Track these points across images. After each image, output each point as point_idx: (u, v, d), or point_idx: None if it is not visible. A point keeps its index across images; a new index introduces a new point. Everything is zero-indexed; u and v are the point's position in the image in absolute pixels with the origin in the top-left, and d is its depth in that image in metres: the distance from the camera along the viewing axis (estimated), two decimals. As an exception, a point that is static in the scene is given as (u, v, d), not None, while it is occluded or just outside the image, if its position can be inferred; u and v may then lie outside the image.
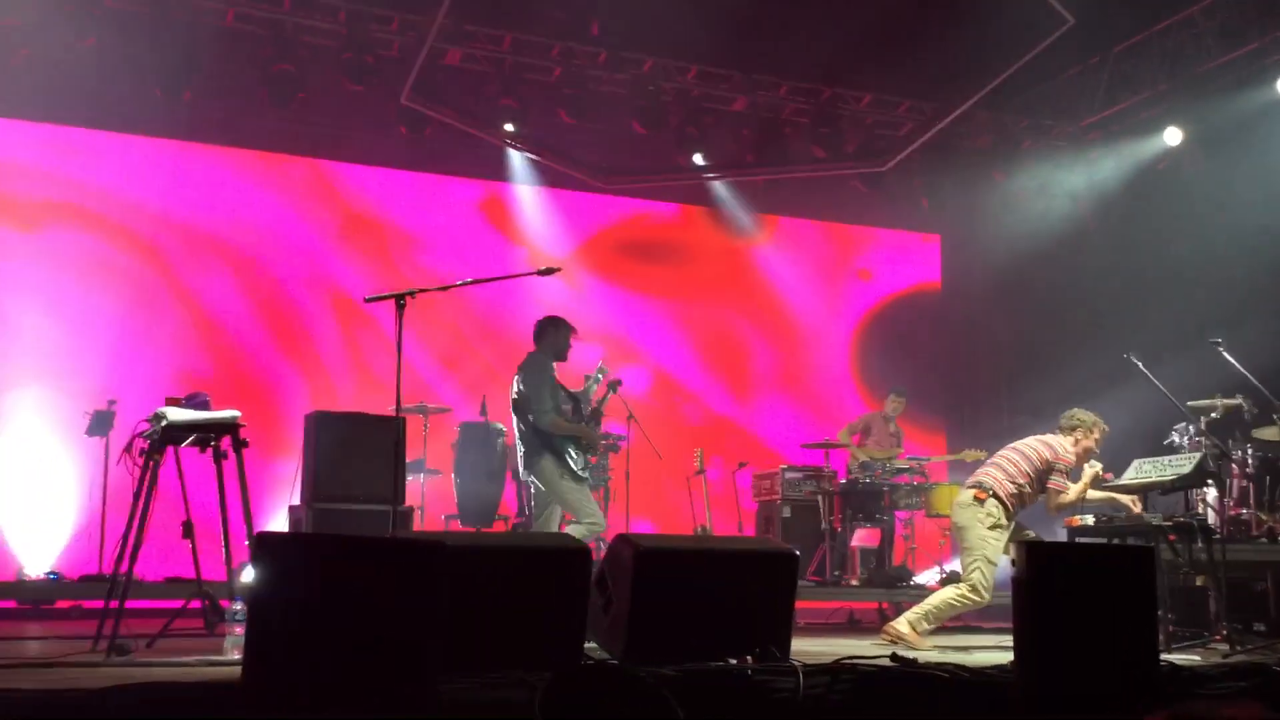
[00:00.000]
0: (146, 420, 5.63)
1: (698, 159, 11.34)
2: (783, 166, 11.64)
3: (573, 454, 6.93)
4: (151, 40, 9.24)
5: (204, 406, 5.73)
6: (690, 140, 11.08)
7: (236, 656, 4.29)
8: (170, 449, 5.61)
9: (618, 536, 4.93)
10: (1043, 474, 6.54)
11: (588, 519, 6.88)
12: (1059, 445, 6.60)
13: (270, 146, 10.69)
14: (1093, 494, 6.63)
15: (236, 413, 5.70)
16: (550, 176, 11.26)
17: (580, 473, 6.97)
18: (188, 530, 5.66)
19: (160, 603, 6.38)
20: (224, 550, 5.68)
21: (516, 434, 7.10)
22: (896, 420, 10.35)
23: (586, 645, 4.53)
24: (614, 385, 7.66)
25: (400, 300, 5.24)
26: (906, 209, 12.55)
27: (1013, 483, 6.51)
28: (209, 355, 10.29)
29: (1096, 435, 6.68)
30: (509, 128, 10.50)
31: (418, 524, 7.94)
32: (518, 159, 11.09)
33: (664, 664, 4.06)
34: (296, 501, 7.40)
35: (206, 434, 5.61)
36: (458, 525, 8.73)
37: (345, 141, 10.77)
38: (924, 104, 11.51)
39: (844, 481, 9.65)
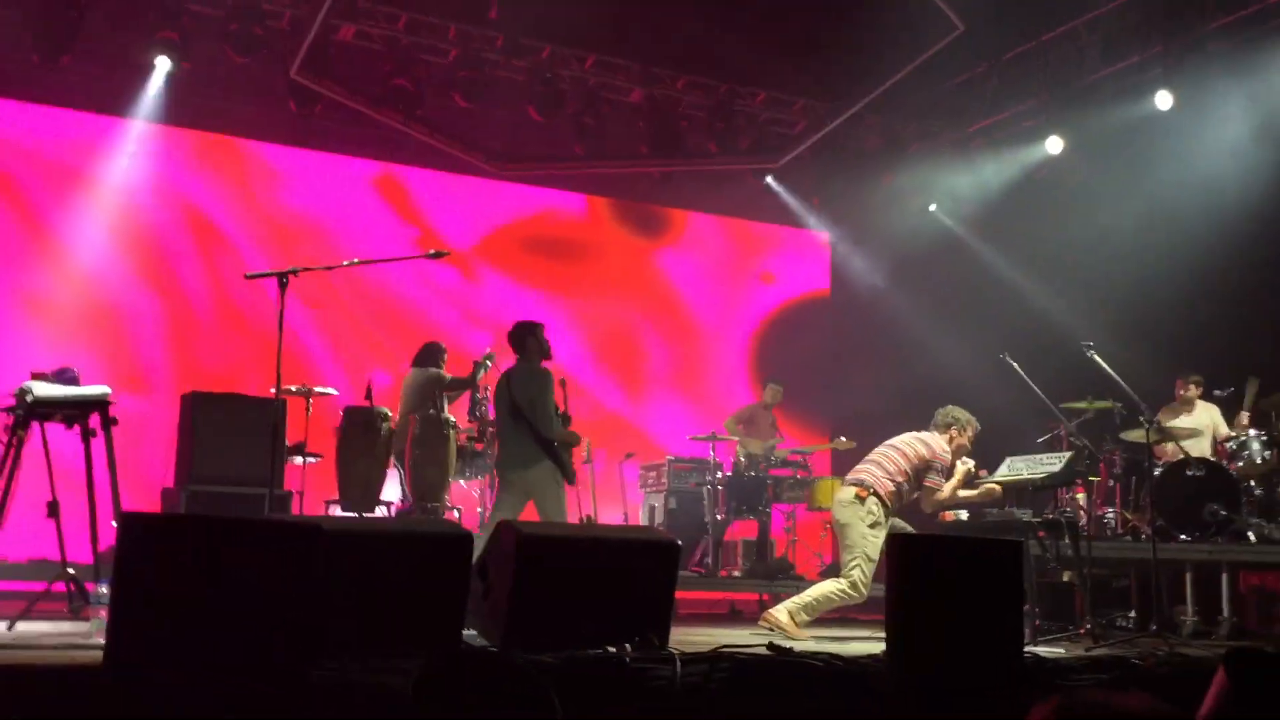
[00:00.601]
0: (12, 395, 5.42)
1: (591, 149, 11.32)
2: (677, 159, 11.69)
3: (566, 459, 7.14)
4: (29, 2, 8.89)
5: (73, 382, 5.53)
6: (586, 129, 11.05)
7: (100, 641, 4.15)
8: (36, 425, 5.41)
9: (500, 523, 4.89)
10: (920, 471, 6.65)
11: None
12: (935, 443, 6.74)
13: (152, 116, 10.34)
14: (965, 492, 6.79)
15: (106, 389, 5.51)
16: (444, 160, 11.13)
17: (573, 474, 7.22)
18: (53, 510, 5.46)
19: (23, 584, 6.16)
20: (91, 531, 5.49)
21: (501, 435, 7.28)
22: (773, 410, 10.49)
23: (466, 632, 4.49)
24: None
25: (283, 278, 5.12)
26: (798, 207, 12.72)
27: (892, 480, 6.62)
28: (83, 328, 9.94)
29: (970, 433, 6.84)
30: (402, 108, 10.34)
31: (297, 508, 7.79)
32: (411, 140, 10.94)
33: (543, 651, 4.04)
34: (170, 484, 7.20)
35: (75, 411, 5.42)
36: (339, 510, 8.58)
37: (230, 114, 10.47)
38: (817, 104, 11.67)
39: (729, 474, 9.74)
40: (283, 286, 5.12)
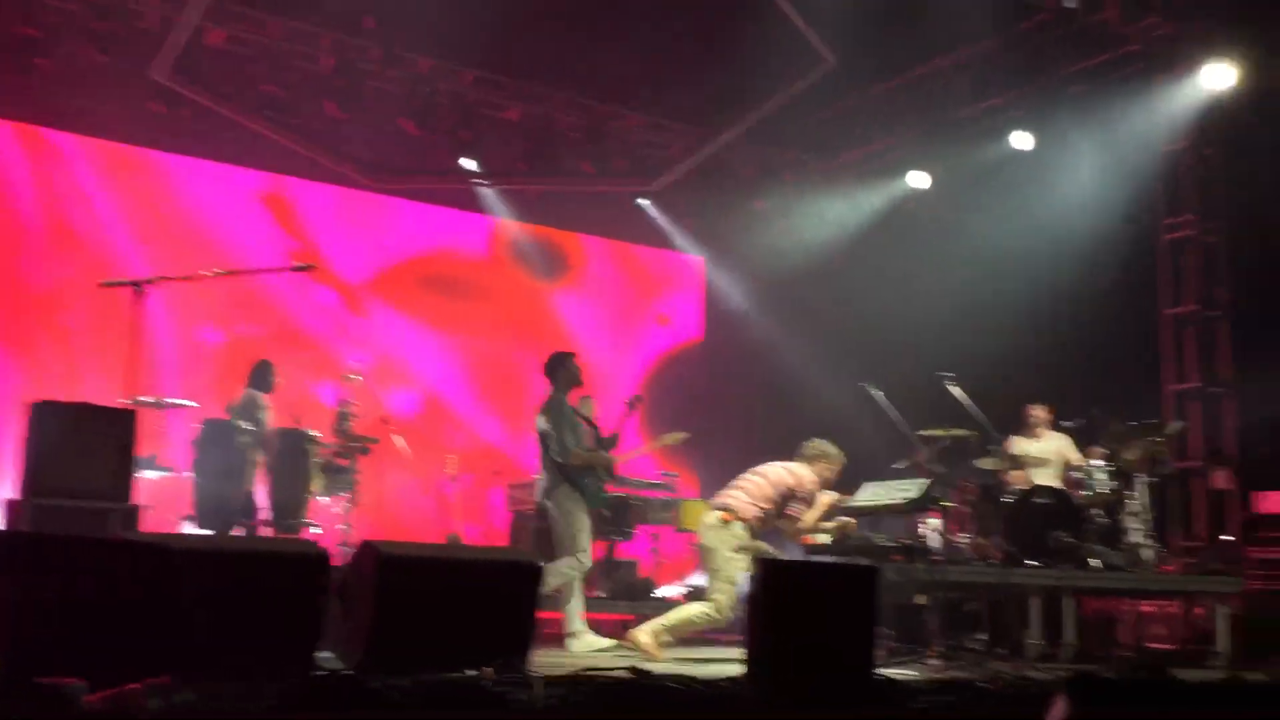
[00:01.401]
0: None
1: (470, 164, 11.25)
2: (554, 178, 11.69)
3: (587, 481, 7.37)
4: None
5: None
6: (463, 144, 10.99)
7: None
8: None
9: (362, 543, 4.82)
10: (784, 499, 6.74)
11: (578, 553, 7.27)
12: (802, 473, 6.83)
13: (10, 114, 9.92)
14: (824, 523, 6.91)
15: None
16: (316, 170, 10.92)
17: (597, 496, 7.49)
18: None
19: None
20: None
21: (541, 464, 7.51)
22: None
23: (323, 655, 4.40)
24: (634, 403, 7.96)
25: (139, 286, 4.96)
26: (673, 230, 12.82)
27: (757, 506, 6.69)
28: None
29: (836, 467, 6.96)
30: (273, 115, 10.13)
31: (150, 524, 7.52)
32: (284, 149, 10.71)
33: (402, 675, 3.99)
34: (14, 495, 6.88)
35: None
36: (194, 527, 8.33)
37: (92, 114, 10.09)
38: (693, 129, 11.80)
39: (597, 494, 9.69)
40: (139, 294, 4.96)
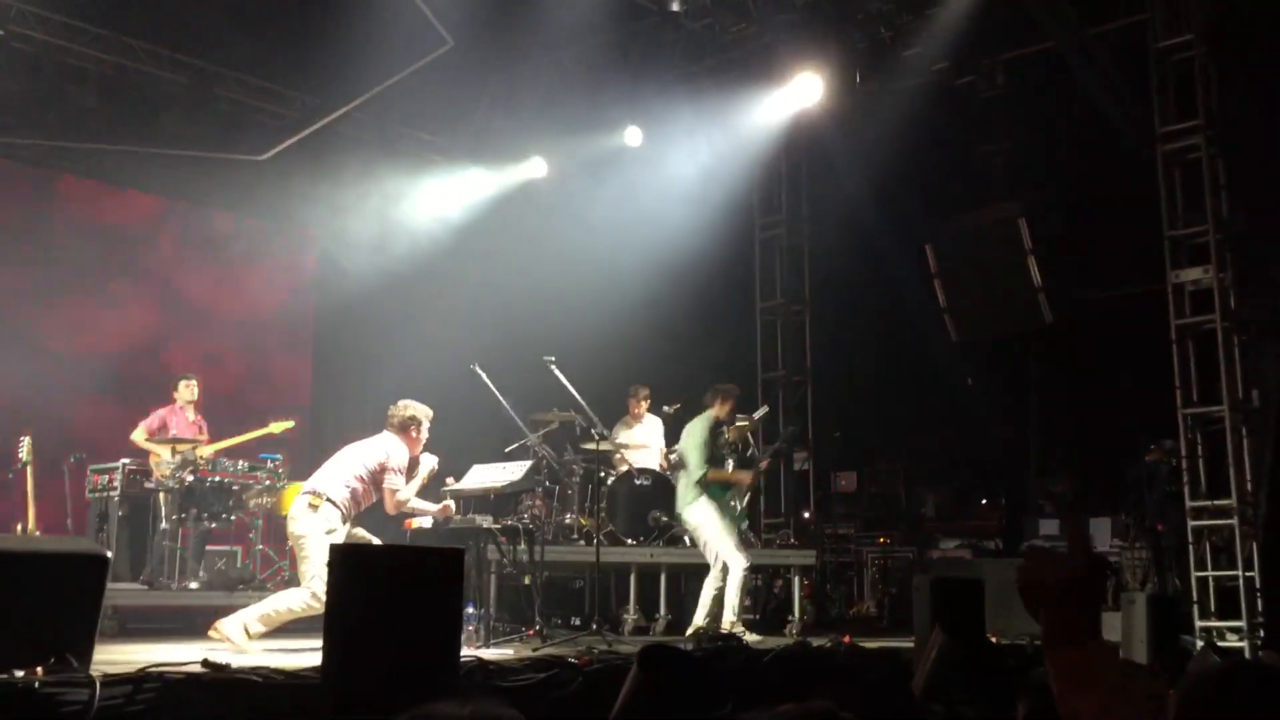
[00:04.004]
0: None
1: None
2: (155, 144, 10.82)
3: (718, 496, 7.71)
4: None
5: None
6: (38, 100, 9.91)
7: None
8: None
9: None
10: (377, 475, 6.57)
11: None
12: (390, 444, 6.65)
13: None
14: (423, 505, 6.79)
15: None
16: None
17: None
18: None
19: None
20: None
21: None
22: (195, 408, 9.78)
23: None
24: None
25: None
26: (285, 203, 12.22)
27: (347, 486, 6.47)
28: None
29: (425, 424, 6.81)
30: None
31: None
32: None
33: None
34: None
35: None
36: None
37: None
38: (309, 98, 11.33)
39: (191, 479, 9.10)
40: None
